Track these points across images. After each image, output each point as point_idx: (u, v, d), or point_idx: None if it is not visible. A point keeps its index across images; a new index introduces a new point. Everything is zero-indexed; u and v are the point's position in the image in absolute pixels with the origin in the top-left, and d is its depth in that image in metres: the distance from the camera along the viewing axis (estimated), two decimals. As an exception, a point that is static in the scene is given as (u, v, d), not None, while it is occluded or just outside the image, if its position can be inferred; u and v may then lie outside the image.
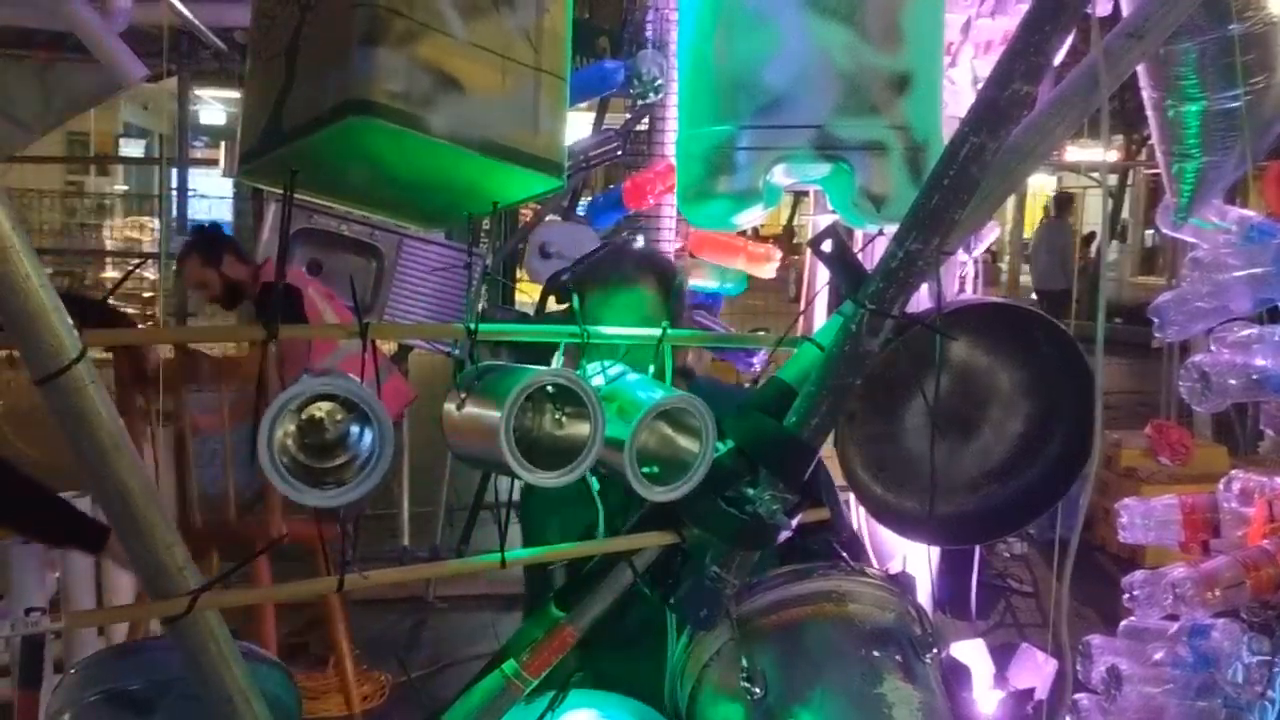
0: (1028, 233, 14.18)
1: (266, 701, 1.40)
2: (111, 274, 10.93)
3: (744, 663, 1.61)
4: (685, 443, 1.59)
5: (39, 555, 3.20)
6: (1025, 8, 1.49)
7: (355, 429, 1.38)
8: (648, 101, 2.40)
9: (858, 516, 2.59)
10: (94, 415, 1.20)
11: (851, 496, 1.88)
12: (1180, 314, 2.85)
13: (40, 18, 5.32)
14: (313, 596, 3.67)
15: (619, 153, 2.38)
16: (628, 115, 2.59)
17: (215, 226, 5.26)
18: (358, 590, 1.45)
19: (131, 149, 18.39)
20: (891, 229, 1.57)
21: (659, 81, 2.34)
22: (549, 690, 1.69)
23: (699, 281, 2.61)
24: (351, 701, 3.59)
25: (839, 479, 1.81)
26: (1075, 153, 13.51)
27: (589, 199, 3.27)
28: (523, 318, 2.80)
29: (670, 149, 2.43)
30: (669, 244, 2.58)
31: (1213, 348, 2.82)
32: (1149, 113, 2.54)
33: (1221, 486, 2.82)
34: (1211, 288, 2.77)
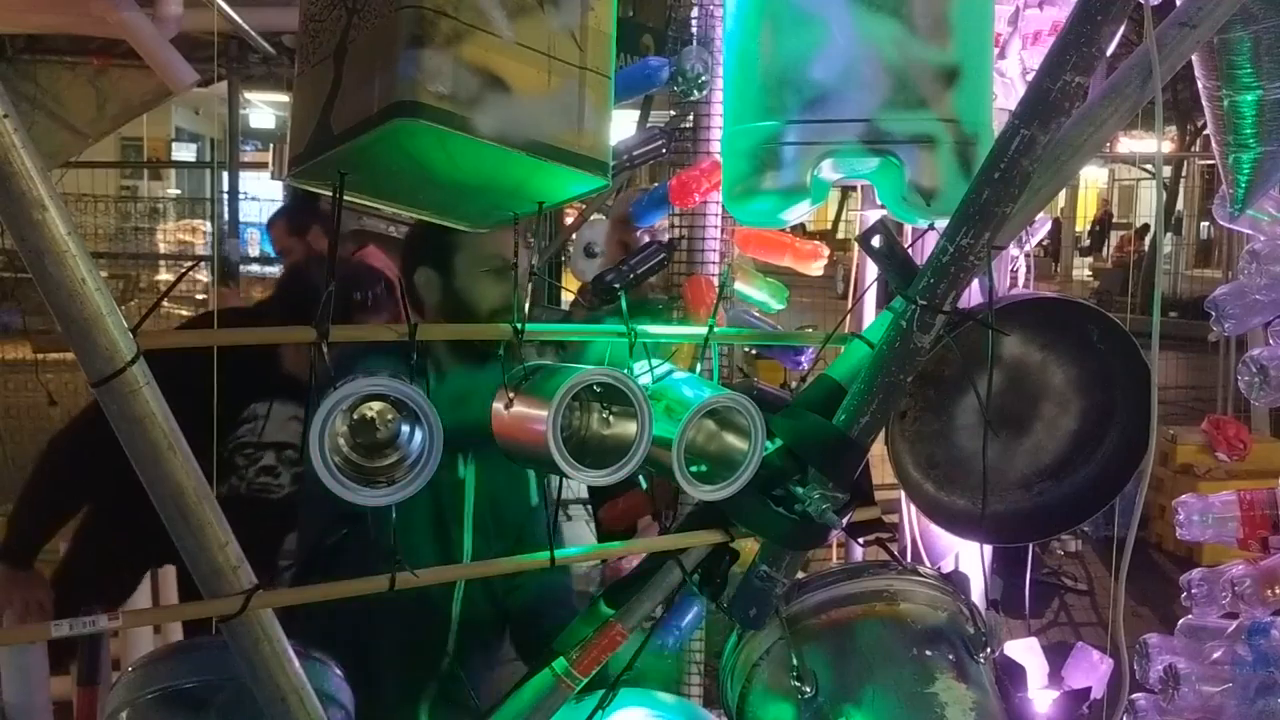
0: (1080, 225, 13.99)
1: (320, 700, 1.42)
2: (165, 276, 11.10)
3: (794, 662, 1.61)
4: (734, 441, 1.58)
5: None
6: (1076, -2, 1.47)
7: (406, 428, 1.39)
8: (692, 99, 2.38)
9: (909, 515, 2.56)
10: (148, 417, 1.21)
11: (902, 494, 1.86)
12: (1238, 307, 2.80)
13: (93, 25, 5.40)
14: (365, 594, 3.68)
15: (664, 151, 2.37)
16: (672, 113, 2.58)
17: (310, 196, 5.21)
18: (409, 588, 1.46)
19: (183, 153, 18.66)
20: (942, 224, 1.55)
21: (703, 78, 2.32)
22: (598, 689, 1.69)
23: (742, 286, 2.59)
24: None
25: (887, 477, 1.79)
26: (1128, 144, 13.30)
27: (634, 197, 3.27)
28: (568, 317, 2.80)
29: (716, 146, 2.41)
30: (714, 241, 2.57)
31: (1271, 341, 2.77)
32: (1204, 103, 2.49)
33: (1281, 482, 2.78)
34: (1269, 280, 2.72)
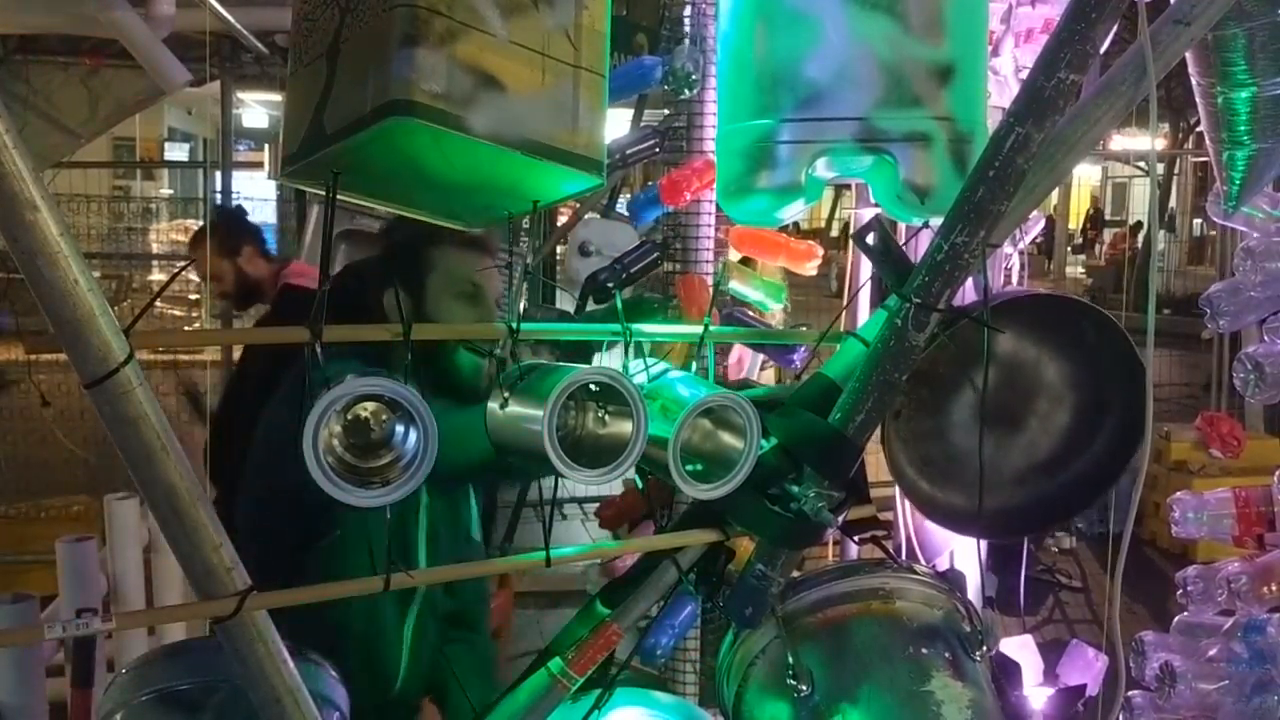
0: (1073, 224, 13.98)
1: (315, 701, 1.41)
2: (158, 276, 11.08)
3: (790, 660, 1.60)
4: (729, 440, 1.58)
5: (90, 555, 3.24)
6: (1069, -5, 1.47)
7: (400, 428, 1.39)
8: (685, 97, 2.38)
9: (904, 513, 2.56)
10: (142, 417, 1.21)
11: (897, 492, 1.86)
12: (1232, 304, 2.80)
13: (85, 25, 5.39)
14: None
15: (657, 150, 2.37)
16: (666, 111, 2.58)
17: (240, 211, 4.87)
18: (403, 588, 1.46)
19: (176, 153, 18.67)
20: (936, 222, 1.55)
21: (694, 77, 2.32)
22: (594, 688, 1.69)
23: (738, 285, 2.59)
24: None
25: (881, 475, 1.79)
26: (1121, 141, 13.33)
27: (629, 196, 3.27)
28: (563, 317, 2.80)
29: (709, 145, 2.41)
30: (708, 240, 2.57)
31: (1266, 338, 2.77)
32: (1198, 100, 2.49)
33: (1276, 479, 2.77)
34: (1264, 277, 2.72)
